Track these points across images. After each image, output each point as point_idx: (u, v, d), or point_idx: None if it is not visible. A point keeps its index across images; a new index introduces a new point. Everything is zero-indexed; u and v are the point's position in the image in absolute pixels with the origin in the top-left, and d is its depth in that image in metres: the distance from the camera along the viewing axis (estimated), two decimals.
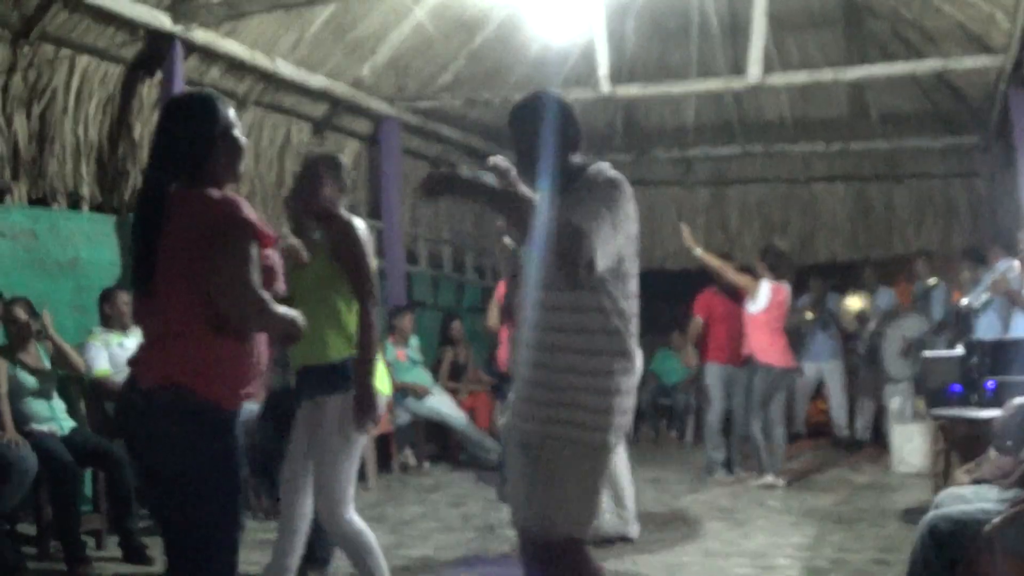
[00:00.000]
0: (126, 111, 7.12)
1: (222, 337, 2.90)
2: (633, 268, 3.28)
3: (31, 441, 5.47)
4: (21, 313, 5.73)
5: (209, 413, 2.90)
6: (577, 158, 3.32)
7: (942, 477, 5.80)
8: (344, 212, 4.21)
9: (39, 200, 6.67)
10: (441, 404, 9.21)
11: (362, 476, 6.70)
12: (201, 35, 6.94)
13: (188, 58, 7.10)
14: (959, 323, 8.52)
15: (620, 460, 5.98)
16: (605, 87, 8.84)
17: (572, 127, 3.27)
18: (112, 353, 6.31)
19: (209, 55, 7.37)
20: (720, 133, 12.23)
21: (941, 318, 9.18)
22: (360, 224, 4.11)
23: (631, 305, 3.26)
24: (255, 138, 8.38)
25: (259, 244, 2.92)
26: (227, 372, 2.93)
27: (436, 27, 8.82)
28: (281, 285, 3.11)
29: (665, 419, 11.39)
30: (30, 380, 5.74)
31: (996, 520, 3.48)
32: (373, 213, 9.72)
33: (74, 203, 6.90)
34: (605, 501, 5.59)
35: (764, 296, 7.99)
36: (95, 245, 6.88)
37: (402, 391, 8.78)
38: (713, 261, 8.30)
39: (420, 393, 8.96)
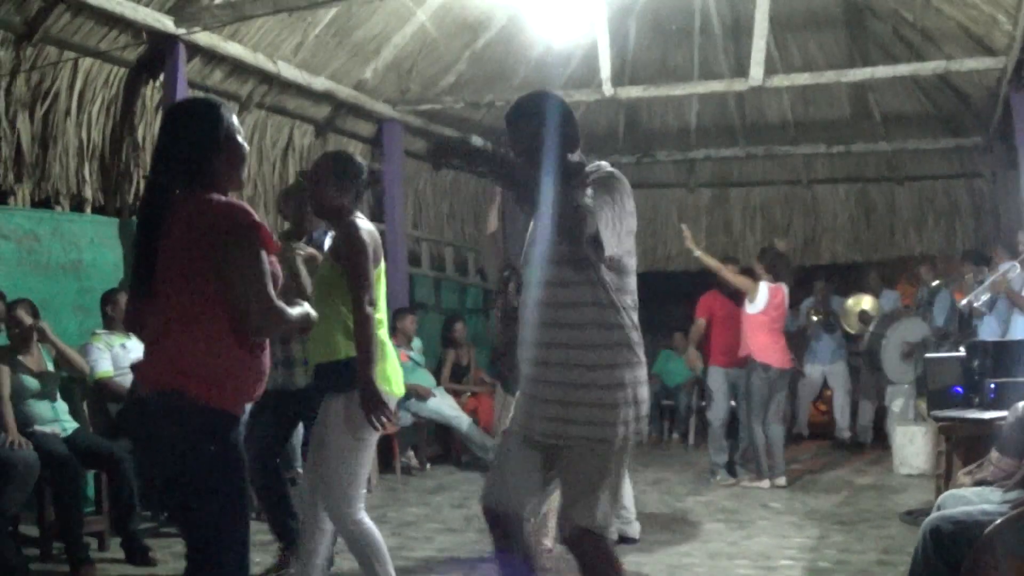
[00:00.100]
0: (129, 113, 7.13)
1: (223, 340, 2.90)
2: (632, 263, 3.31)
3: (34, 442, 5.47)
4: (24, 315, 5.74)
5: (208, 417, 2.89)
6: (576, 157, 3.33)
7: (944, 479, 5.79)
8: (353, 213, 4.20)
9: (42, 202, 6.68)
10: (443, 406, 9.21)
11: None
12: (204, 37, 6.94)
13: (191, 60, 7.11)
14: (961, 324, 8.53)
15: None
16: (607, 89, 8.84)
17: (571, 126, 3.28)
18: (115, 354, 6.32)
19: (212, 57, 7.38)
20: (722, 135, 12.24)
21: (943, 324, 9.17)
22: (365, 225, 4.11)
23: (631, 300, 3.29)
24: (258, 140, 8.39)
25: (267, 250, 2.93)
26: (227, 375, 2.93)
27: (438, 29, 8.83)
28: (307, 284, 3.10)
29: (668, 421, 11.38)
30: (33, 381, 5.75)
31: (998, 522, 3.48)
32: (375, 215, 9.72)
33: (77, 205, 6.91)
34: None
35: (762, 297, 8.01)
36: (98, 247, 6.89)
37: (404, 393, 8.77)
38: (712, 262, 8.32)
39: (422, 395, 8.96)
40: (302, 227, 5.22)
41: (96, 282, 6.72)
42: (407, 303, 9.69)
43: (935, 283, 9.59)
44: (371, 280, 3.99)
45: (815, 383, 10.71)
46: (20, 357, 5.73)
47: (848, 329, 10.29)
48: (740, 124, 12.07)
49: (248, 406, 3.43)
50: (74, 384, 6.23)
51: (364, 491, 4.17)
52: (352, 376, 3.97)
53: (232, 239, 2.86)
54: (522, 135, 3.25)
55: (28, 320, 5.73)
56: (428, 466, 9.22)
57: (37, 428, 5.65)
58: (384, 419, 3.98)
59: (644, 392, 3.31)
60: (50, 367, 5.90)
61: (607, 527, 3.30)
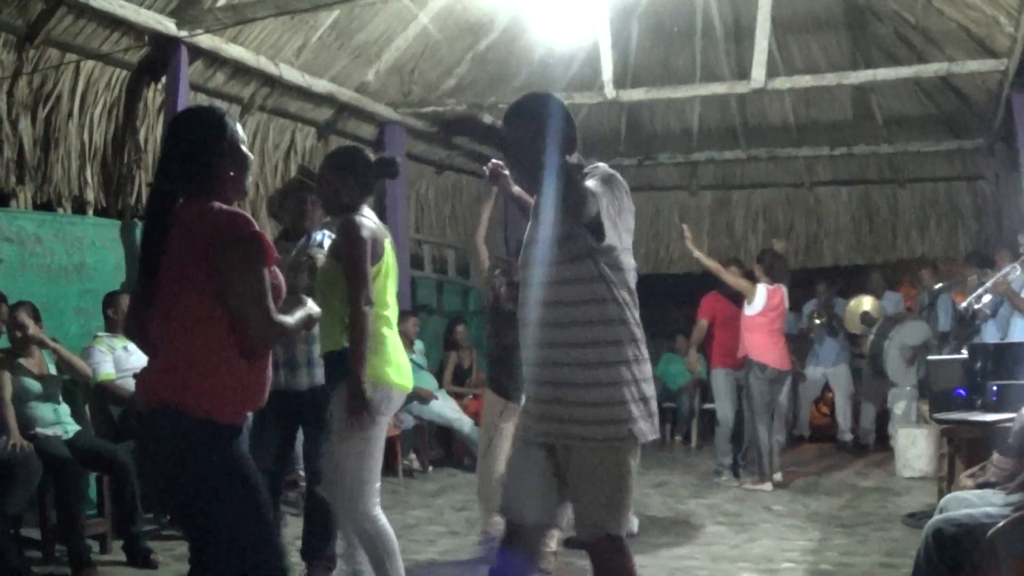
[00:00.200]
0: (131, 116, 7.13)
1: (223, 349, 2.89)
2: (630, 261, 3.32)
3: (36, 445, 5.48)
4: (25, 317, 5.74)
5: (205, 429, 2.87)
6: (574, 159, 3.34)
7: (946, 481, 5.79)
8: (360, 208, 4.20)
9: (44, 205, 6.68)
10: (445, 408, 9.21)
11: None
12: (206, 40, 6.94)
13: (193, 63, 7.11)
14: (962, 326, 8.53)
15: None
16: (609, 91, 8.84)
17: (569, 127, 3.29)
18: (117, 357, 6.32)
19: (214, 60, 7.38)
20: (724, 137, 12.23)
21: (946, 328, 9.16)
22: (366, 222, 4.11)
23: (631, 297, 3.29)
24: (259, 143, 8.40)
25: (267, 261, 2.93)
26: (226, 386, 2.91)
27: (440, 32, 8.83)
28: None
29: (670, 423, 11.37)
30: (35, 384, 5.76)
31: (1000, 524, 3.48)
32: (377, 217, 9.71)
33: (79, 207, 6.91)
34: None
35: (760, 299, 8.04)
36: (100, 249, 6.90)
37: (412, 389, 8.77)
38: (711, 263, 8.33)
39: (424, 397, 8.96)
40: (302, 226, 5.16)
41: (98, 284, 6.73)
42: (409, 306, 9.69)
43: (937, 287, 9.58)
44: (366, 278, 3.98)
45: (816, 385, 10.71)
46: (22, 360, 5.74)
47: (851, 330, 10.29)
48: (742, 126, 12.06)
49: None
50: (76, 387, 6.24)
51: (377, 487, 4.14)
52: (339, 369, 4.01)
53: (231, 249, 2.86)
54: (522, 136, 3.25)
55: (29, 323, 5.73)
56: (430, 468, 9.22)
57: (39, 431, 5.66)
58: (365, 418, 3.98)
59: (650, 389, 3.31)
60: (52, 370, 5.91)
61: (625, 529, 3.30)
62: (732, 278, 8.23)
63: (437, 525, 6.81)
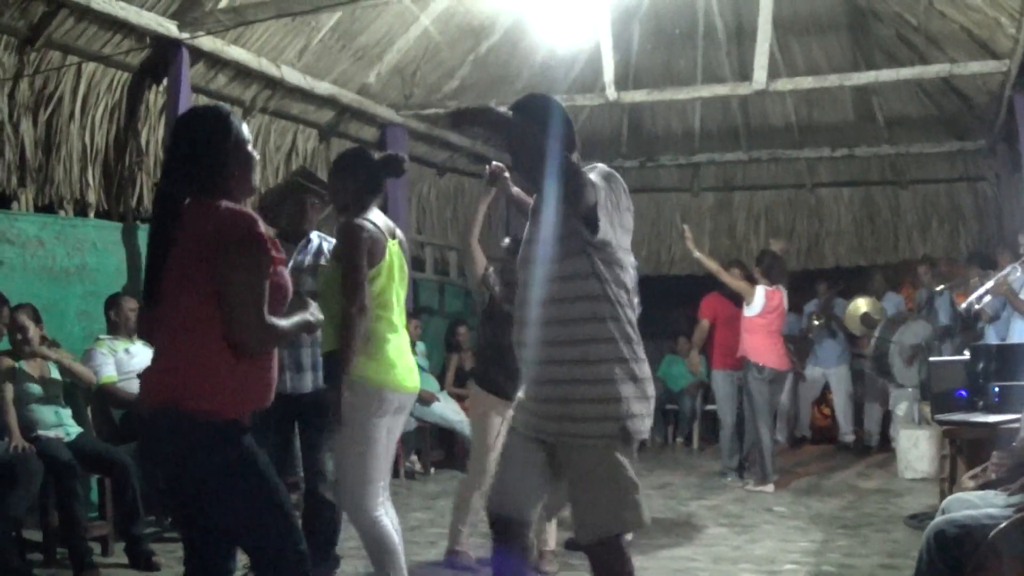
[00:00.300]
0: (132, 118, 7.14)
1: (225, 351, 2.89)
2: (627, 259, 3.32)
3: (38, 447, 5.48)
4: (26, 320, 5.74)
5: (209, 428, 2.88)
6: (574, 158, 3.34)
7: (948, 482, 5.78)
8: (366, 207, 4.21)
9: (46, 207, 6.69)
10: (447, 410, 9.21)
11: None
12: (207, 42, 6.95)
13: (194, 65, 7.11)
14: (965, 326, 8.53)
15: None
16: (611, 93, 8.84)
17: (569, 128, 3.30)
18: (118, 359, 6.32)
19: (215, 62, 7.38)
20: (726, 139, 12.23)
21: (947, 323, 9.17)
22: (366, 223, 4.11)
23: (626, 296, 3.30)
24: (261, 145, 8.39)
25: (271, 262, 2.92)
26: (231, 386, 2.91)
27: (442, 34, 8.83)
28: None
29: (671, 425, 11.38)
30: (36, 387, 5.76)
31: (1003, 525, 3.47)
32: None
33: (81, 210, 6.92)
34: None
35: (759, 300, 8.04)
36: (102, 251, 6.90)
37: (416, 389, 8.76)
38: (711, 264, 8.34)
39: (426, 399, 8.96)
40: (300, 228, 5.15)
41: (100, 286, 6.73)
42: (410, 307, 9.68)
43: (939, 288, 9.58)
44: (359, 283, 3.98)
45: (817, 385, 10.71)
46: (23, 362, 5.74)
47: (852, 331, 10.29)
48: (743, 128, 12.06)
49: None
50: (77, 389, 6.23)
51: (380, 487, 4.14)
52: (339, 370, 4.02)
53: (233, 248, 2.86)
54: (522, 136, 3.25)
55: (30, 325, 5.73)
56: (432, 470, 9.22)
57: (41, 433, 5.66)
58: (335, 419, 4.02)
59: (645, 388, 3.30)
60: (54, 372, 5.91)
61: (633, 527, 3.30)
62: (731, 279, 8.24)
63: (438, 527, 6.80)
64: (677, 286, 11.39)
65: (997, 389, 5.48)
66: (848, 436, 10.36)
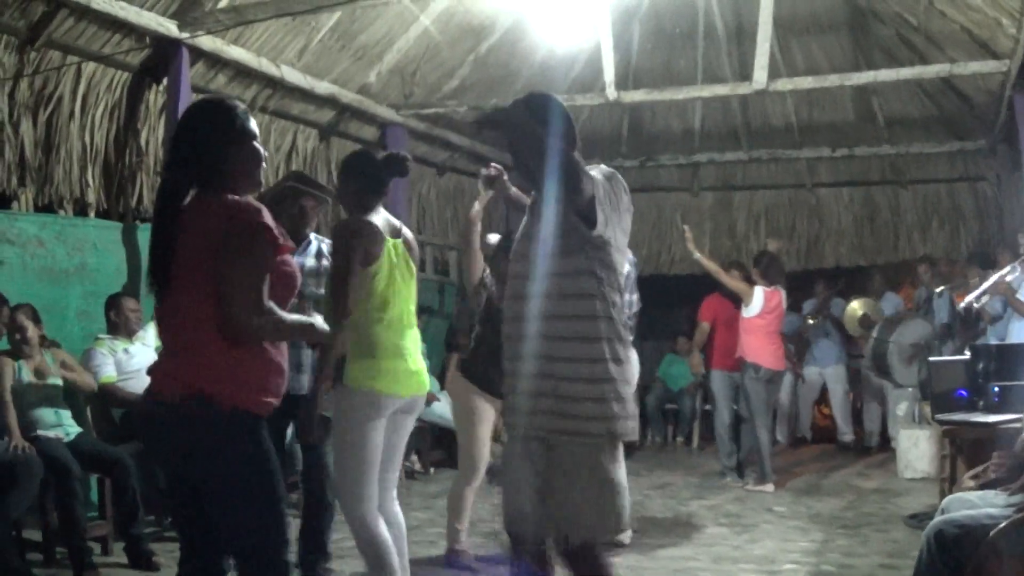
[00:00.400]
0: (132, 118, 7.14)
1: (238, 343, 2.90)
2: (622, 259, 3.33)
3: (37, 447, 5.47)
4: (25, 319, 5.74)
5: (236, 419, 2.90)
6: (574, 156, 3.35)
7: (948, 482, 5.78)
8: (370, 208, 4.19)
9: (46, 207, 6.69)
10: (447, 410, 9.18)
11: None
12: (207, 42, 6.94)
13: (194, 65, 7.11)
14: (966, 326, 8.52)
15: None
16: (611, 93, 8.83)
17: (570, 126, 3.30)
18: (118, 359, 6.32)
19: (215, 62, 7.38)
20: (726, 139, 12.23)
21: (944, 320, 9.17)
22: (364, 224, 4.10)
23: (619, 297, 3.30)
24: (261, 145, 8.38)
25: (275, 251, 2.92)
26: (249, 377, 2.92)
27: (442, 34, 8.83)
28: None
29: (672, 424, 11.38)
30: (35, 386, 5.75)
31: (1002, 525, 3.47)
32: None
33: (81, 210, 6.92)
34: None
35: (758, 301, 8.05)
36: (102, 251, 6.90)
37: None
38: (711, 265, 8.34)
39: (427, 399, 8.94)
40: (299, 233, 5.13)
41: (100, 287, 6.73)
42: None
43: (939, 289, 9.58)
44: (346, 284, 3.95)
45: (815, 385, 10.71)
46: (23, 362, 5.74)
47: (850, 332, 10.29)
48: (744, 128, 12.05)
49: None
50: (78, 389, 6.23)
51: (380, 488, 4.13)
52: (340, 371, 4.00)
53: (235, 235, 2.86)
54: (522, 136, 3.25)
55: (29, 325, 5.73)
56: (432, 470, 9.22)
57: (40, 433, 5.66)
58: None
59: (629, 390, 3.29)
60: (54, 372, 5.91)
61: (613, 535, 3.28)
62: (730, 280, 8.25)
63: (438, 527, 6.79)
64: (677, 286, 11.40)
65: (997, 389, 5.48)
66: (847, 436, 10.36)
